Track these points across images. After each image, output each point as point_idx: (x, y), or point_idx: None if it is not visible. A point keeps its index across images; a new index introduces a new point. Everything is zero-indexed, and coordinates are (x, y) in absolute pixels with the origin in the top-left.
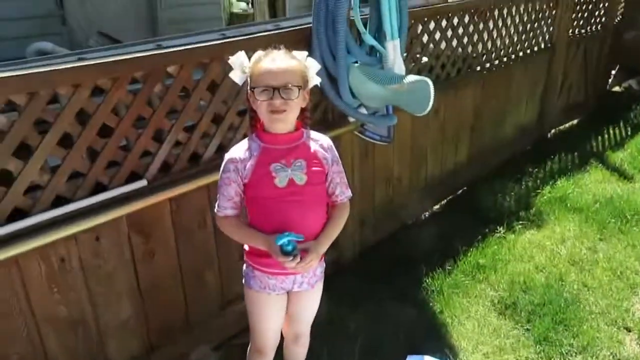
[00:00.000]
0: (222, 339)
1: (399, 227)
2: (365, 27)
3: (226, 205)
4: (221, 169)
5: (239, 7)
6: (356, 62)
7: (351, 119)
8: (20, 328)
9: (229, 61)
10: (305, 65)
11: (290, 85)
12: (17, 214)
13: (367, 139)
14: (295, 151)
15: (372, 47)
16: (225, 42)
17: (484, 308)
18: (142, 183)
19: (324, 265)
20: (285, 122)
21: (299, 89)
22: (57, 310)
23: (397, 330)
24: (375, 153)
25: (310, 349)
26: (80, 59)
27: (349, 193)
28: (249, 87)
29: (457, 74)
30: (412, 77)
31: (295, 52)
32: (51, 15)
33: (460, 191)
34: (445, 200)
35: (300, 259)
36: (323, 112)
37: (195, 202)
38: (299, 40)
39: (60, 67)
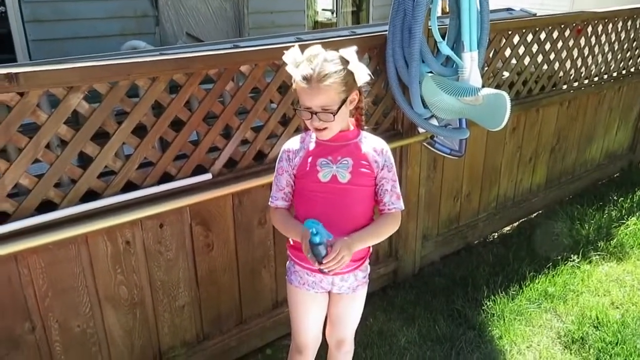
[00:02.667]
0: (272, 338)
1: (464, 246)
2: (444, 38)
3: (277, 196)
4: (278, 157)
5: (324, 16)
6: (430, 72)
7: (421, 130)
8: (84, 303)
9: (283, 57)
10: (347, 70)
11: (326, 108)
12: (91, 195)
13: (437, 151)
14: (345, 149)
15: (448, 58)
16: (303, 44)
17: (547, 339)
18: (207, 176)
19: (367, 270)
20: (330, 133)
21: (340, 106)
22: (118, 291)
23: (449, 351)
24: (444, 167)
25: (359, 357)
26: (161, 54)
27: (399, 205)
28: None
29: (540, 91)
30: (488, 90)
31: (340, 53)
32: (146, 15)
33: (535, 215)
34: (517, 223)
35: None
36: (392, 122)
37: (257, 200)
38: (373, 46)
39: (140, 60)
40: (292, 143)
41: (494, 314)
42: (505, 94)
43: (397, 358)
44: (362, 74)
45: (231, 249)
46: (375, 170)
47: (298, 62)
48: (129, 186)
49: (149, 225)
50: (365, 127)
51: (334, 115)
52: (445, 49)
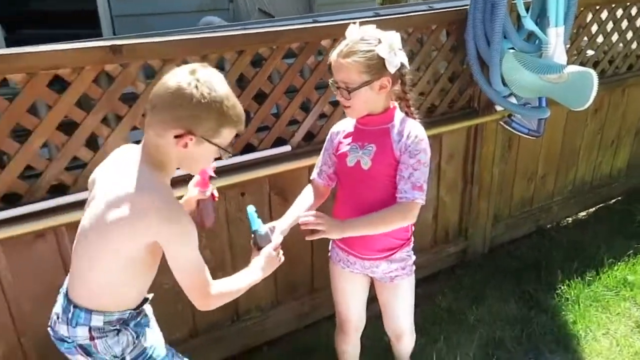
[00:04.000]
0: None
1: (536, 229)
2: (527, 12)
3: (316, 170)
4: None
5: None
6: (512, 48)
7: (498, 108)
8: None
9: (346, 32)
10: (376, 54)
11: (345, 84)
12: None
13: (513, 130)
14: (373, 135)
15: (531, 33)
16: (380, 19)
17: (626, 327)
18: (287, 148)
19: (407, 261)
20: (353, 112)
21: (358, 87)
22: (203, 254)
23: (520, 331)
24: (519, 147)
25: (427, 333)
26: (244, 29)
27: (412, 195)
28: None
29: (627, 70)
30: (573, 68)
31: (381, 36)
32: None
33: (614, 201)
34: (593, 208)
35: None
36: (469, 99)
37: None
38: (452, 22)
39: (229, 34)
40: (339, 124)
41: (568, 299)
42: (592, 71)
43: (466, 336)
44: (392, 61)
45: None
46: (397, 155)
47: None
48: None
49: (232, 194)
50: (417, 118)
51: (348, 93)
52: (529, 24)
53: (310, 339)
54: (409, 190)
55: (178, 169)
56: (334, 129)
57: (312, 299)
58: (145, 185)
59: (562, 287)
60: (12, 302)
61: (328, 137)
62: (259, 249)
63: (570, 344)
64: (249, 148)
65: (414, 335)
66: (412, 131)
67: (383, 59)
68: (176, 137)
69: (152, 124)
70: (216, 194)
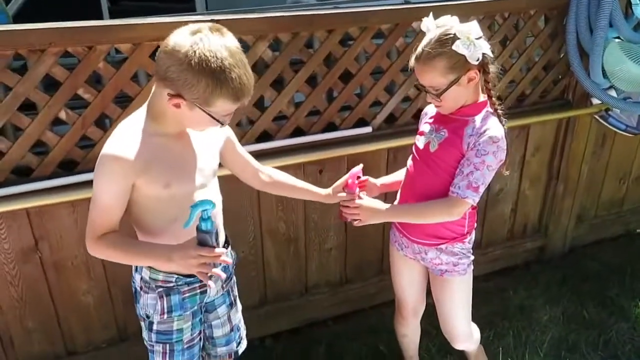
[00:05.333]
0: None
1: (624, 233)
2: None
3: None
4: None
5: None
6: (617, 37)
7: (595, 101)
8: (249, 232)
9: (422, 27)
10: (454, 51)
11: (432, 88)
12: (265, 137)
13: (610, 126)
14: (452, 123)
15: None
16: (477, 2)
17: None
18: (368, 129)
19: (462, 259)
20: (445, 110)
21: (447, 87)
22: (278, 226)
23: (597, 337)
24: (614, 144)
25: (495, 327)
26: (335, 8)
27: (464, 193)
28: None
29: None
30: None
31: (456, 30)
32: None
33: None
34: None
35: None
36: (563, 90)
37: None
38: (552, 7)
39: (321, 12)
40: (431, 105)
41: None
42: None
43: (537, 334)
44: (473, 55)
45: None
46: (463, 150)
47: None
48: (297, 132)
49: (310, 170)
50: (498, 104)
51: (438, 96)
52: None
53: (374, 320)
54: (463, 188)
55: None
56: (426, 109)
57: (380, 280)
58: (118, 130)
59: None
60: None
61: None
62: (200, 244)
63: None
64: (330, 126)
65: (473, 340)
66: (488, 130)
67: (461, 60)
68: (169, 95)
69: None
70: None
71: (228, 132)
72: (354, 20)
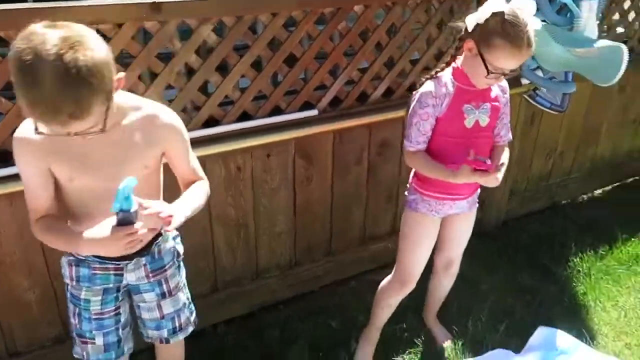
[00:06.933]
0: (356, 271)
1: (551, 205)
2: None
3: (419, 140)
4: (416, 103)
5: None
6: (543, 21)
7: (524, 81)
8: (199, 221)
9: (487, 6)
10: None
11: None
12: (211, 122)
13: (537, 104)
14: (483, 95)
15: (563, 6)
16: None
17: (635, 300)
18: (314, 112)
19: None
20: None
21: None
22: (227, 212)
23: (531, 301)
24: (541, 122)
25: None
26: None
27: (510, 136)
28: (480, 46)
29: None
30: (603, 42)
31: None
32: None
33: (631, 180)
34: (611, 186)
35: None
36: None
37: (356, 139)
38: None
39: None
40: (435, 88)
41: (579, 271)
42: (623, 46)
43: (479, 302)
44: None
45: (327, 183)
46: (501, 108)
47: (509, 18)
48: (244, 116)
49: (258, 154)
50: None
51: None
52: None
53: (324, 300)
54: (508, 133)
55: None
56: (434, 93)
57: (328, 261)
58: None
59: (575, 260)
60: None
61: (427, 103)
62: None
63: (580, 313)
64: (276, 110)
65: None
66: (505, 84)
67: None
68: None
69: None
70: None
71: (172, 143)
72: (298, 3)
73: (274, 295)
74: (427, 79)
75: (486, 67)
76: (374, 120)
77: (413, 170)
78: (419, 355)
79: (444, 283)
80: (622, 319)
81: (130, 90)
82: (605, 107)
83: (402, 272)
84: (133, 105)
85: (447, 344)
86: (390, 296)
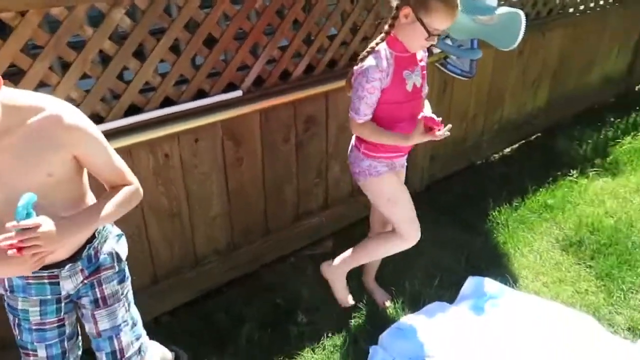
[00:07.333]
0: (294, 248)
1: (468, 166)
2: None
3: (367, 112)
4: (363, 78)
5: None
6: None
7: (435, 50)
8: (132, 213)
9: None
10: None
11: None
12: (133, 110)
13: (448, 72)
14: (414, 59)
15: None
16: None
17: (547, 244)
18: (238, 93)
19: None
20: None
21: None
22: (159, 201)
23: (460, 255)
24: (454, 88)
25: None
26: None
27: (427, 89)
28: (418, 12)
29: (547, 14)
30: (503, 9)
31: None
32: None
33: (535, 136)
34: (518, 144)
35: None
36: None
37: (282, 117)
38: None
39: None
40: (380, 62)
41: (498, 223)
42: (520, 12)
43: (412, 262)
44: None
45: (258, 164)
46: (425, 68)
47: None
48: (167, 102)
49: (185, 140)
50: None
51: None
52: None
53: (266, 279)
54: (426, 88)
55: None
56: (381, 67)
57: (265, 241)
58: None
59: (494, 214)
60: None
61: (374, 77)
62: None
63: (502, 261)
64: (200, 93)
65: None
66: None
67: None
68: None
69: None
70: None
71: (82, 146)
72: None
73: (216, 280)
74: (367, 53)
75: (427, 30)
76: (298, 97)
77: (352, 142)
78: (363, 318)
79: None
80: (538, 262)
81: (42, 83)
82: (507, 71)
83: (406, 230)
84: (31, 106)
85: (388, 304)
86: (395, 251)
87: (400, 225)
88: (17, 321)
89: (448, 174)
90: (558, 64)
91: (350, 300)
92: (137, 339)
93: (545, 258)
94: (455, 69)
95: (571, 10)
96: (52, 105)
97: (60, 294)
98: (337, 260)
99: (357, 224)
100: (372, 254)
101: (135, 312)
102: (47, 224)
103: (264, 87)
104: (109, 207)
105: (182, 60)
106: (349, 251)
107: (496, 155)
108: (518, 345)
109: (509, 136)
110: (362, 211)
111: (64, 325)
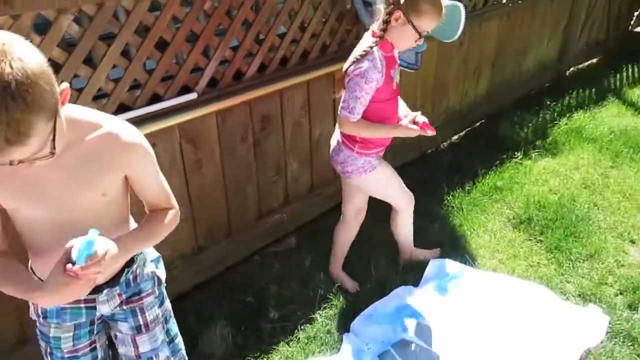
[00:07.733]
0: (258, 246)
1: (420, 155)
2: None
3: (361, 112)
4: (361, 80)
5: None
6: None
7: None
8: None
9: None
10: None
11: None
12: None
13: None
14: (394, 58)
15: None
16: None
17: (500, 223)
18: (193, 96)
19: None
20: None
21: None
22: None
23: (420, 240)
24: (401, 81)
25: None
26: None
27: None
28: (409, 15)
29: (483, 5)
30: (444, 2)
31: None
32: None
33: (479, 123)
34: (463, 132)
35: None
36: (356, 37)
37: (238, 117)
38: None
39: None
40: (377, 63)
41: (453, 207)
42: (460, 4)
43: (375, 249)
44: None
45: (218, 165)
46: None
47: None
48: (122, 107)
49: None
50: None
51: None
52: None
53: (233, 279)
54: None
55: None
56: (375, 71)
57: (230, 242)
58: None
59: (448, 198)
60: None
61: (372, 79)
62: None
63: (460, 242)
64: (155, 98)
65: None
66: None
67: None
68: None
69: None
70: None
71: (137, 166)
72: None
73: (183, 284)
74: (362, 56)
75: (417, 31)
76: (253, 96)
77: (336, 143)
78: (333, 309)
79: (353, 231)
80: (493, 241)
81: None
82: (450, 63)
83: (404, 201)
84: (89, 122)
85: (356, 292)
86: (411, 221)
87: (399, 199)
88: (48, 349)
89: (403, 163)
90: (495, 54)
91: (357, 286)
92: (174, 352)
93: (499, 237)
94: (402, 61)
95: (504, 0)
96: (110, 123)
97: (94, 317)
98: None
99: (319, 219)
100: (408, 238)
101: (173, 326)
102: (114, 248)
103: (218, 88)
104: (155, 231)
105: (134, 65)
106: (402, 243)
107: (445, 143)
108: (480, 321)
109: (455, 125)
110: (323, 205)
111: (96, 348)
